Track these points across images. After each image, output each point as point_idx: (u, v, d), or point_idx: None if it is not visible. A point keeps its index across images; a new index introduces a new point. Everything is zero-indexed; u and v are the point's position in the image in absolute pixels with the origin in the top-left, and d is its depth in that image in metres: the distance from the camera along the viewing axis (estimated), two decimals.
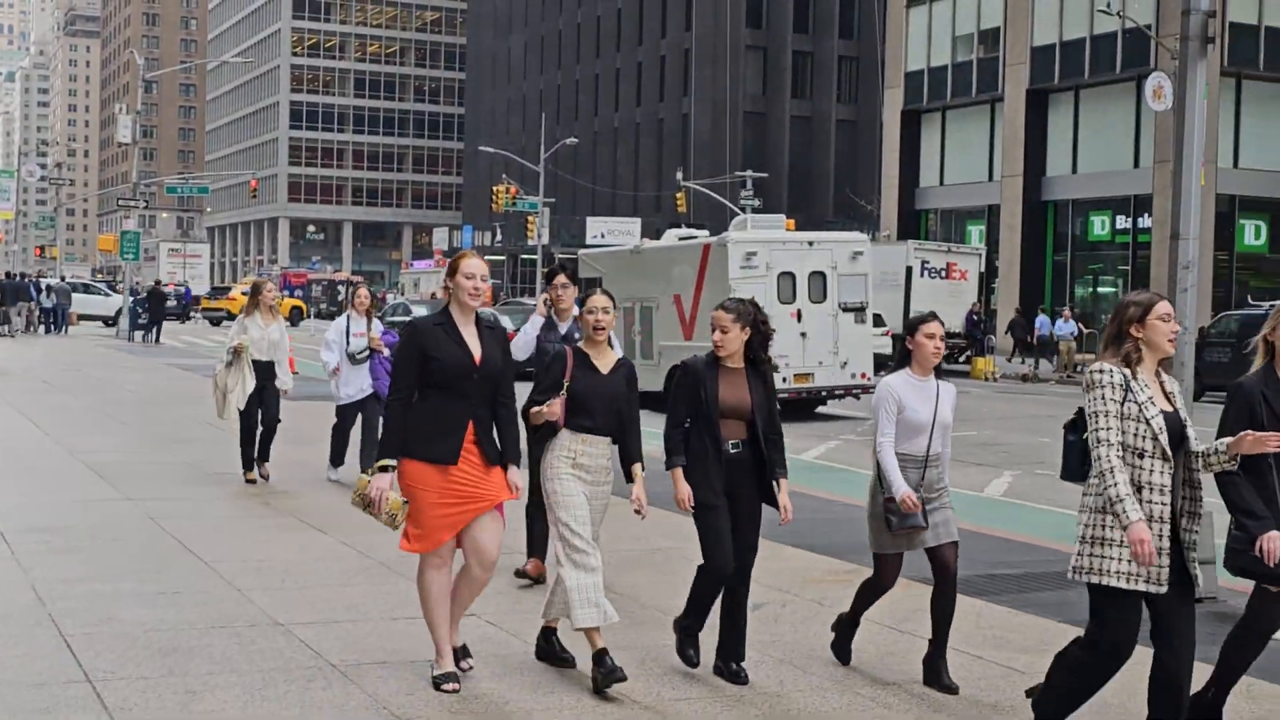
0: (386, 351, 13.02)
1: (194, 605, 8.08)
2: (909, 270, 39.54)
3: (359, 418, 13.50)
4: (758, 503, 7.06)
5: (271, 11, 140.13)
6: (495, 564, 6.62)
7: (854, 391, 23.51)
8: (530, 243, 70.81)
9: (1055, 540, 11.77)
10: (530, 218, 69.26)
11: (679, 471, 6.87)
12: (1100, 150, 47.08)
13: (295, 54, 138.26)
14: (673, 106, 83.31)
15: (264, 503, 12.20)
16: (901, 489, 6.88)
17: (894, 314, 38.44)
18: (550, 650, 7.06)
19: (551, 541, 6.92)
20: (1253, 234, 45.98)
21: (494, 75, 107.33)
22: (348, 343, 13.30)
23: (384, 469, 6.38)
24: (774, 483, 6.97)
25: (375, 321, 13.63)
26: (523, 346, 9.18)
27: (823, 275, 23.13)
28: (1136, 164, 45.33)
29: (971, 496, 14.94)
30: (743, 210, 52.09)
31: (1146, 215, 44.82)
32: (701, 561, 7.00)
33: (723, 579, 6.94)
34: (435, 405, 6.40)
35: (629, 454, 7.03)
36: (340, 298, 77.35)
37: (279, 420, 13.48)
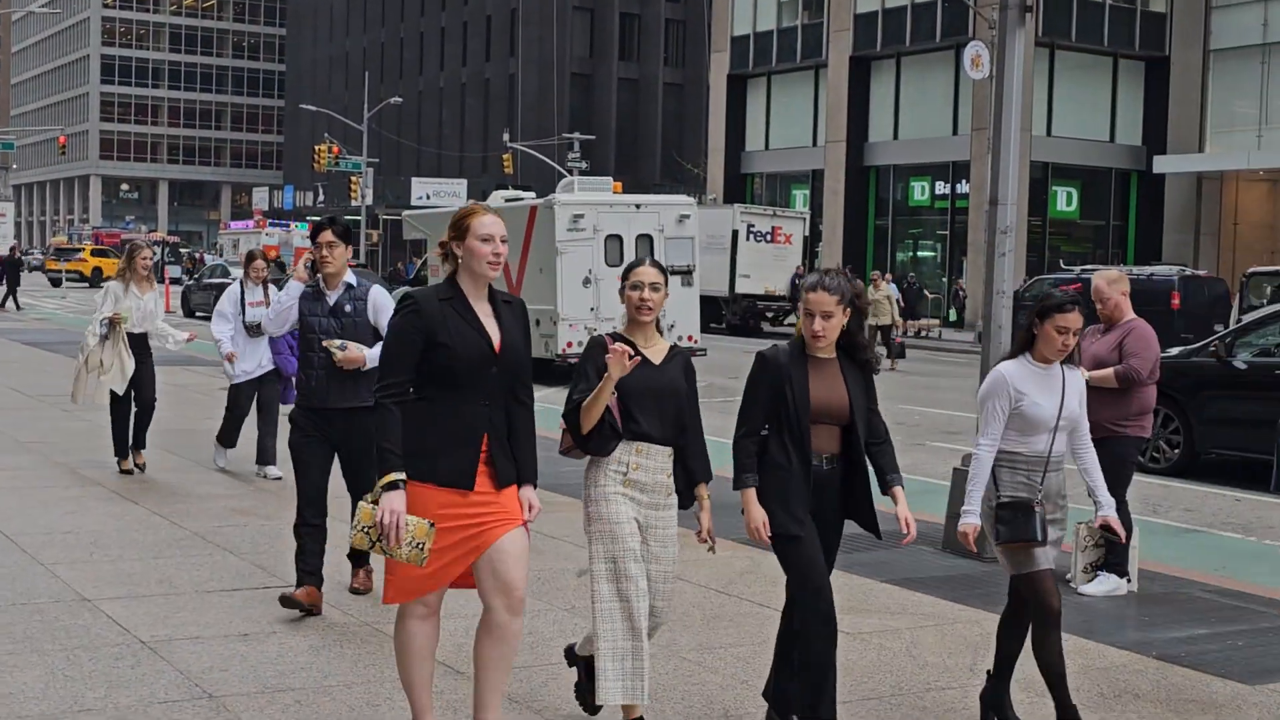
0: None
1: None
2: (735, 234, 39.87)
3: (255, 400, 12.12)
4: (839, 530, 5.83)
5: None
6: (523, 604, 5.13)
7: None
8: (354, 204, 69.57)
9: (875, 500, 11.91)
10: (353, 178, 68.01)
11: (751, 493, 5.59)
12: (921, 117, 48.00)
13: (106, 5, 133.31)
14: (499, 67, 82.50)
15: (71, 470, 11.71)
16: (969, 520, 5.81)
17: (720, 277, 38.77)
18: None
19: (590, 582, 5.60)
20: (1064, 200, 47.40)
21: (315, 31, 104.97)
22: (243, 312, 11.81)
23: (393, 486, 4.82)
24: (889, 491, 5.75)
25: (287, 287, 12.43)
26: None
27: (650, 238, 23.12)
28: (955, 131, 46.34)
29: None
30: (570, 173, 51.90)
31: (965, 181, 45.88)
32: (786, 608, 5.76)
33: (828, 612, 5.51)
34: (441, 407, 4.92)
35: (692, 470, 5.69)
36: (156, 259, 75.18)
37: (155, 401, 11.94)
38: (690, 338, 23.50)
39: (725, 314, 39.65)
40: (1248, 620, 7.97)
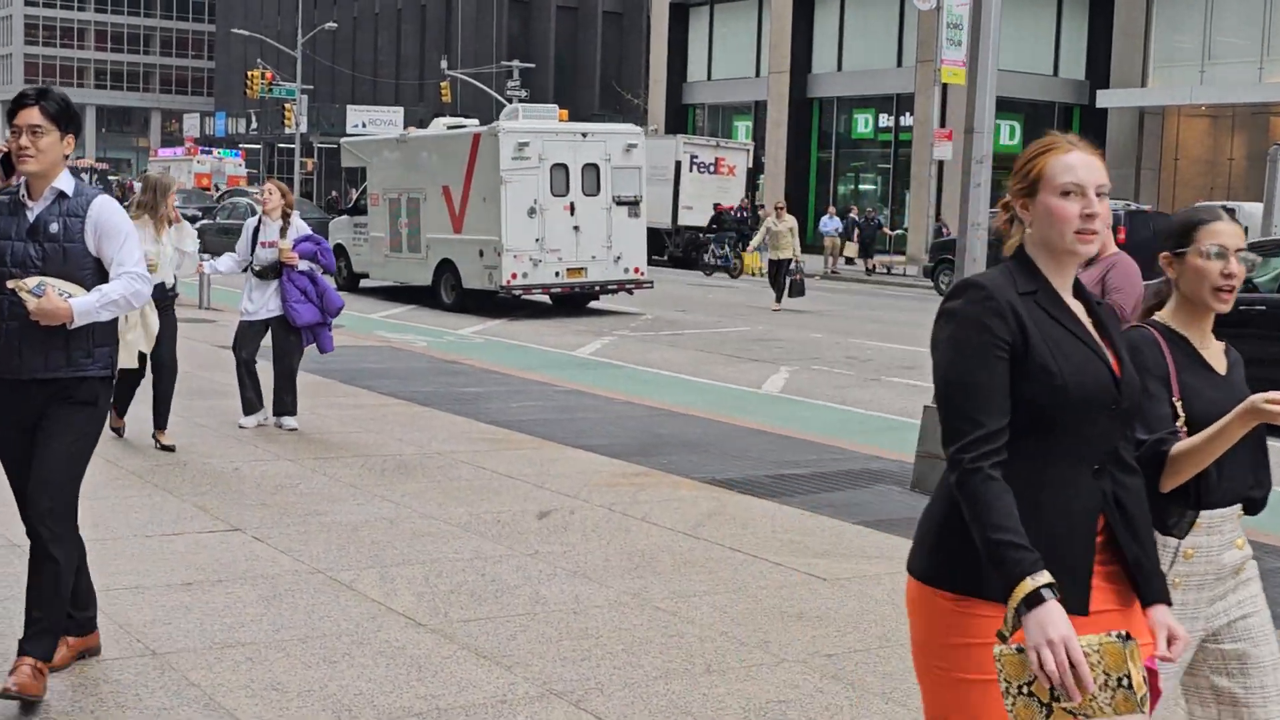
0: (303, 266, 10.63)
1: None
2: (678, 165, 39.34)
3: (266, 352, 10.83)
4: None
5: None
6: None
7: (627, 286, 23.17)
8: (288, 131, 68.24)
9: (837, 438, 11.63)
10: (288, 105, 66.68)
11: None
12: (865, 49, 47.52)
13: None
14: None
15: None
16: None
17: (663, 208, 38.26)
18: None
19: None
20: (1007, 134, 47.11)
21: None
22: (252, 252, 10.66)
23: (1034, 600, 2.75)
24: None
25: (295, 224, 10.74)
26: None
27: (596, 168, 22.62)
28: (900, 63, 45.92)
29: (748, 393, 14.77)
30: (509, 101, 51.02)
31: (908, 114, 45.51)
32: None
33: None
34: (1029, 475, 2.94)
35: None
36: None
37: (176, 363, 9.90)
38: (637, 269, 23.10)
39: (668, 246, 39.18)
40: None
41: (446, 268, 23.14)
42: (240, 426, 10.57)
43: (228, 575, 6.54)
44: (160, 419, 9.70)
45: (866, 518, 8.40)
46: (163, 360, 9.68)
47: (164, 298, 9.42)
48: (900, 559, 7.47)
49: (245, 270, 10.78)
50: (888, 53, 46.58)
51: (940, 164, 39.81)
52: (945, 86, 39.65)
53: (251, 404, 10.70)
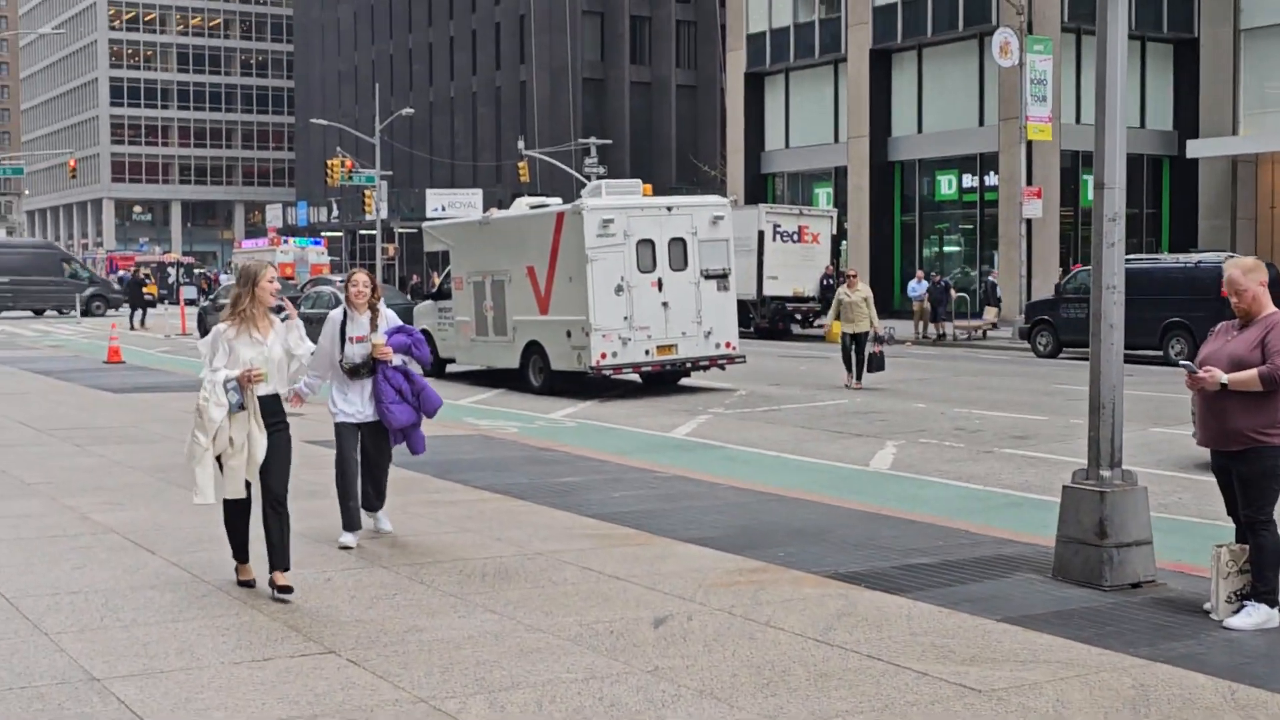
0: (396, 361, 9.64)
1: None
2: (760, 234, 38.81)
3: (359, 452, 9.81)
4: None
5: None
6: None
7: (719, 362, 22.57)
8: (369, 217, 68.70)
9: (959, 519, 10.91)
10: (367, 192, 67.21)
11: None
12: (945, 109, 46.92)
13: (113, 27, 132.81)
14: (510, 74, 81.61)
15: (82, 516, 10.71)
16: None
17: (747, 279, 37.69)
18: None
19: None
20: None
21: (323, 46, 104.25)
22: (341, 350, 9.58)
23: None
24: None
25: (385, 314, 9.72)
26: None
27: (683, 241, 22.11)
28: (981, 122, 45.25)
29: (857, 471, 14.07)
30: (588, 178, 50.92)
31: (992, 173, 44.75)
32: None
33: None
34: None
35: None
36: (171, 280, 74.24)
37: (286, 495, 8.16)
38: (729, 344, 22.49)
39: (754, 317, 38.57)
40: None
41: (534, 349, 22.69)
42: (342, 546, 9.40)
43: (323, 709, 5.96)
44: (279, 558, 8.06)
45: (1011, 614, 7.67)
46: (273, 491, 8.07)
47: (275, 413, 8.10)
48: (1059, 662, 6.77)
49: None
50: (969, 112, 45.92)
51: (1029, 222, 38.96)
52: (1030, 144, 38.93)
53: (353, 518, 9.64)
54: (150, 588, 8.23)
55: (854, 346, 22.98)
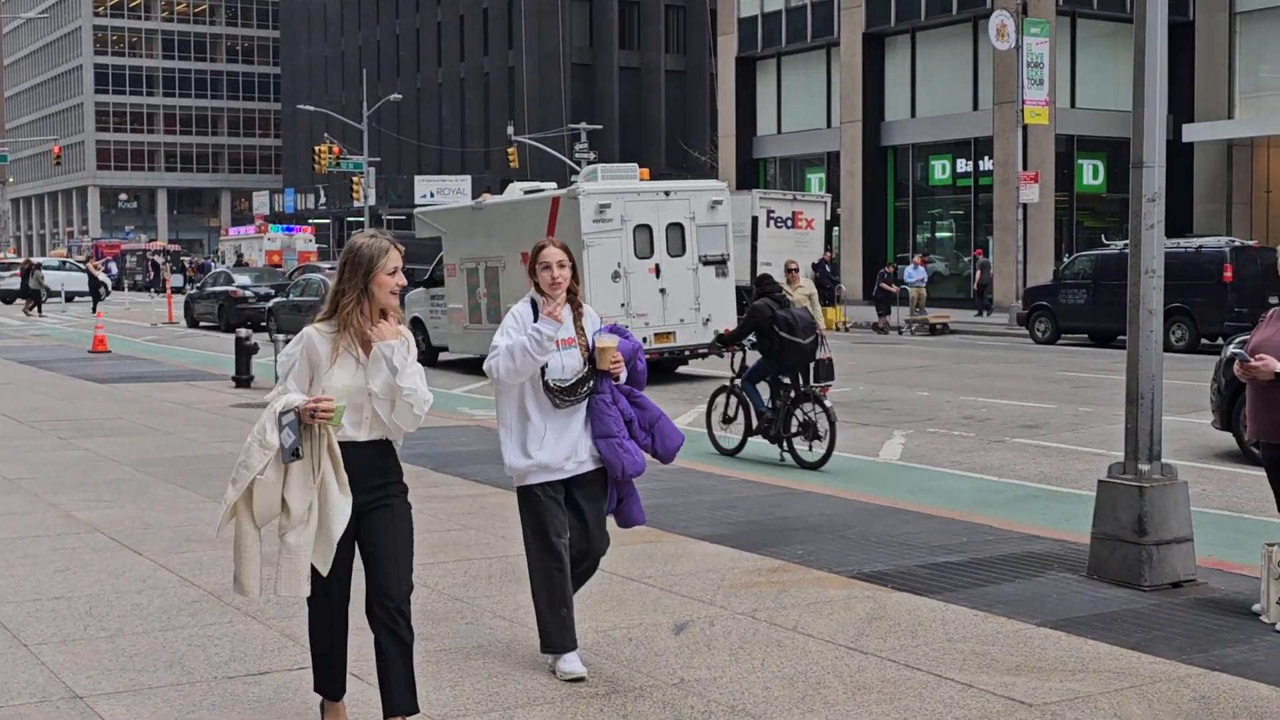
0: (623, 376, 6.36)
1: None
2: (754, 220, 38.28)
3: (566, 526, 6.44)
4: None
5: None
6: None
7: (701, 352, 22.13)
8: (357, 204, 68.20)
9: (978, 512, 10.51)
10: (355, 178, 66.66)
11: None
12: (938, 93, 46.45)
13: (98, 13, 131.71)
14: (498, 60, 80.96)
15: (66, 514, 10.25)
16: None
17: (741, 266, 37.18)
18: None
19: None
20: (1090, 174, 45.84)
21: (309, 32, 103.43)
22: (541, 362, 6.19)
23: None
24: None
25: (589, 311, 6.44)
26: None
27: (680, 227, 21.67)
28: (976, 106, 44.81)
29: (867, 462, 13.65)
30: (579, 164, 50.40)
31: (987, 158, 44.33)
32: None
33: None
34: None
35: None
36: (160, 267, 73.42)
37: (410, 589, 5.24)
38: (727, 330, 21.97)
39: (748, 303, 38.04)
40: None
41: None
42: (571, 678, 6.10)
43: None
44: (397, 697, 5.14)
45: (1050, 617, 7.24)
46: (384, 590, 5.12)
47: (382, 471, 5.20)
48: (1110, 671, 6.31)
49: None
50: (963, 96, 45.47)
51: (1024, 207, 38.54)
52: (1026, 128, 38.50)
53: (568, 631, 6.21)
54: (137, 593, 7.77)
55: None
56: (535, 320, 6.12)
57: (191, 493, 11.08)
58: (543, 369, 6.15)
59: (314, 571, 4.99)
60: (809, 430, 13.31)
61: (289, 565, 4.95)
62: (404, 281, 5.21)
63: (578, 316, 6.33)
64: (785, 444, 13.52)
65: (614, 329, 6.45)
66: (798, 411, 13.48)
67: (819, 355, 16.87)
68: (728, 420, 14.36)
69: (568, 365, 6.21)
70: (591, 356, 6.22)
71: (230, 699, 5.87)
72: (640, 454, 6.40)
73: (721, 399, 14.58)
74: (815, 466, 13.00)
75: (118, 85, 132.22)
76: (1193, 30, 44.18)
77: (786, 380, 13.79)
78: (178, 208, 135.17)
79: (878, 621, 7.17)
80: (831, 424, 13.01)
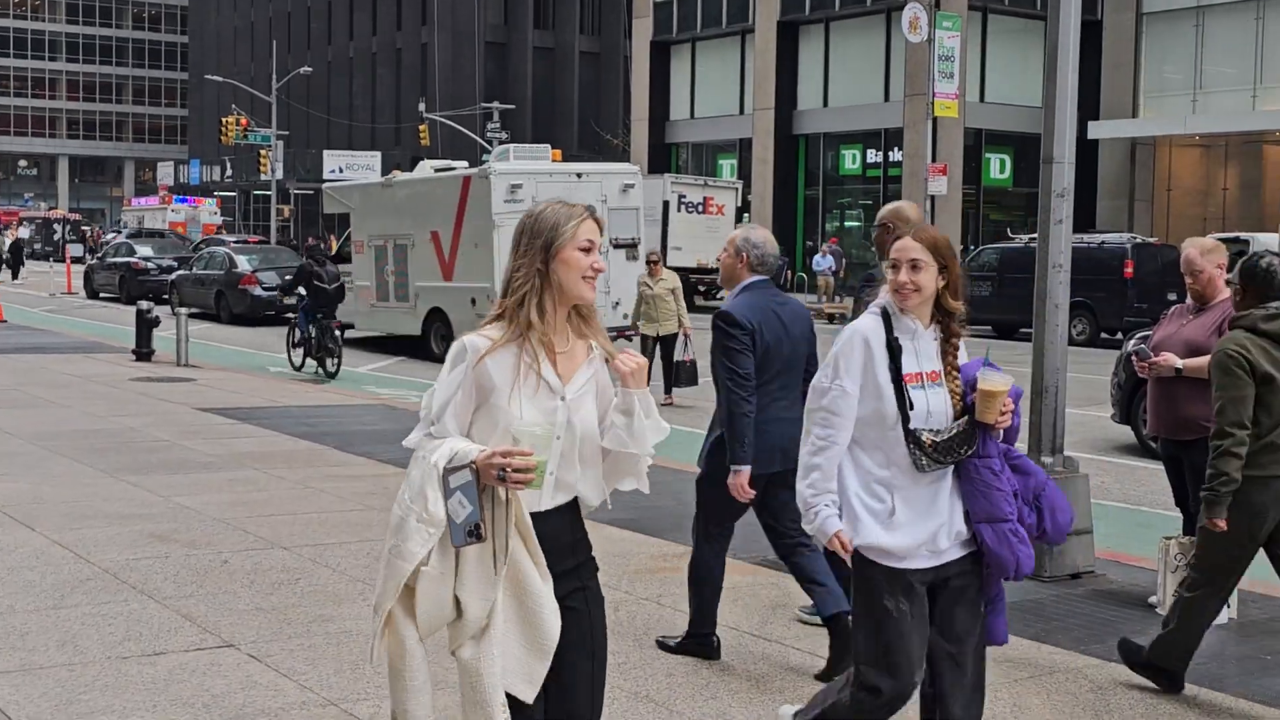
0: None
1: None
2: (665, 204, 38.38)
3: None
4: None
5: None
6: None
7: (626, 334, 22.08)
8: (264, 177, 67.29)
9: None
10: (263, 151, 65.78)
11: None
12: (851, 83, 46.78)
13: None
14: (411, 35, 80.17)
15: None
16: None
17: (651, 249, 37.23)
18: None
19: None
20: (998, 168, 46.46)
21: (219, 1, 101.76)
22: (907, 403, 4.33)
23: None
24: None
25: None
26: None
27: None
28: (887, 97, 45.19)
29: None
30: (491, 144, 50.12)
31: (897, 149, 44.74)
32: None
33: None
34: None
35: None
36: (57, 236, 71.89)
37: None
38: None
39: None
40: None
41: (437, 317, 22.06)
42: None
43: (221, 713, 5.41)
44: None
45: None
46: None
47: (573, 548, 3.72)
48: (1007, 660, 6.14)
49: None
50: (874, 87, 45.83)
51: (932, 199, 38.94)
52: (935, 120, 38.90)
53: None
54: (29, 569, 7.58)
55: (659, 351, 17.06)
56: (893, 347, 4.23)
57: (88, 468, 10.84)
58: (907, 411, 4.20)
59: (511, 701, 3.43)
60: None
61: (473, 694, 3.42)
62: (603, 266, 3.63)
63: (952, 342, 4.35)
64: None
65: (983, 361, 4.34)
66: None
67: (680, 357, 16.42)
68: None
69: (935, 409, 4.27)
70: (969, 403, 4.29)
71: (124, 680, 5.75)
72: (1028, 543, 4.41)
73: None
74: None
75: (19, 49, 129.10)
76: (1100, 29, 44.89)
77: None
78: (80, 176, 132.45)
79: (783, 609, 7.19)
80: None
